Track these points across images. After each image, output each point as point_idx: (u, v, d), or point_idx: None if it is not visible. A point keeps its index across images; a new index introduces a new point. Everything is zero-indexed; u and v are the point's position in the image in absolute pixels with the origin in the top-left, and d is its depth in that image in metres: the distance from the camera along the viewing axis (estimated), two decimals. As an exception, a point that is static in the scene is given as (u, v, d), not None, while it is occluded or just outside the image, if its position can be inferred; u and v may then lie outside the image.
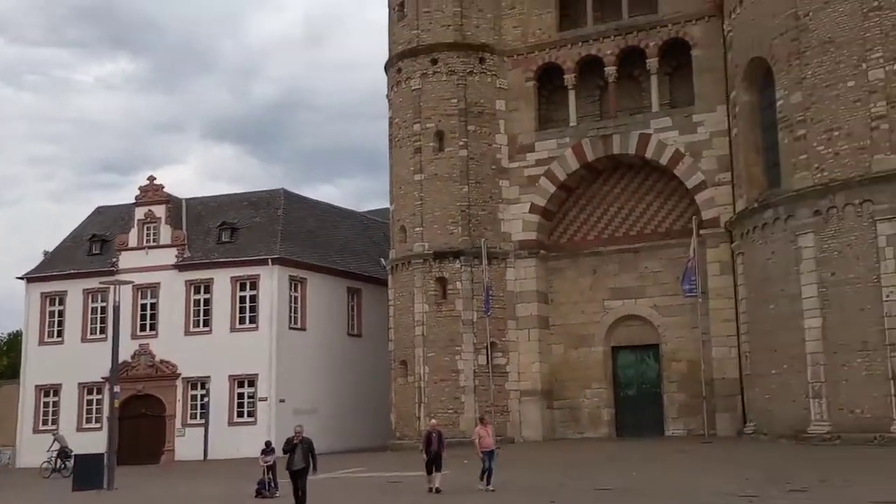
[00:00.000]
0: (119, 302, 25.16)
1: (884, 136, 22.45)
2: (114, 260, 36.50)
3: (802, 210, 23.62)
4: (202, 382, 34.47)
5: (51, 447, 30.08)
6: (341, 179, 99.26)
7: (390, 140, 32.85)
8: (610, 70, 30.33)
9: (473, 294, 30.43)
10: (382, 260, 35.16)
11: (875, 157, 22.52)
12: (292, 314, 35.52)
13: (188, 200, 38.54)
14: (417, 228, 31.19)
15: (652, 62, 29.78)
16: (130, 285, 31.07)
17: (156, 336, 35.46)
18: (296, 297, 35.78)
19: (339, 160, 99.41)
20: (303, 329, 35.55)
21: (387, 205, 34.02)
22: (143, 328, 35.78)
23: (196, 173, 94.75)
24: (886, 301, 21.88)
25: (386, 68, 33.01)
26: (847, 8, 23.17)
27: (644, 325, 30.25)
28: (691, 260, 27.40)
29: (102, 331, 35.29)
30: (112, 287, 27.03)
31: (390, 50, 32.92)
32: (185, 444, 33.81)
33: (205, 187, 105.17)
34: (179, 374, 34.75)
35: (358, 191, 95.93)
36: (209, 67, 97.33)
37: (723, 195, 28.32)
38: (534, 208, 31.18)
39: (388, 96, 33.01)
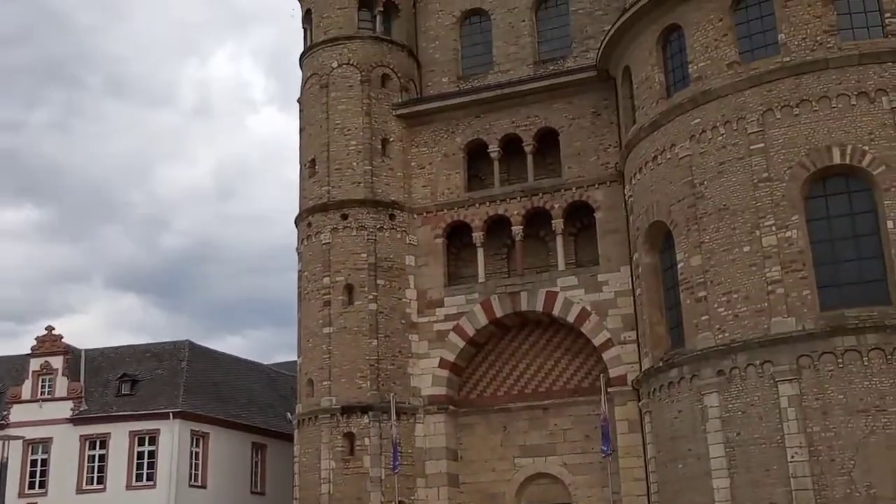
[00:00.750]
0: (7, 458, 23.92)
1: (780, 300, 23.37)
2: (5, 413, 34.80)
3: (706, 370, 24.16)
4: (93, 546, 32.49)
5: None
6: (249, 331, 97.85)
7: (299, 293, 32.68)
8: (517, 229, 31.12)
9: (382, 450, 29.80)
10: (289, 414, 34.35)
11: (773, 319, 23.35)
12: (193, 471, 34.19)
13: (88, 351, 37.35)
14: (325, 382, 30.68)
15: (557, 223, 30.71)
16: (21, 440, 29.57)
17: (45, 494, 33.62)
18: (197, 453, 34.53)
19: (247, 312, 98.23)
20: (203, 487, 34.17)
21: (294, 357, 33.51)
22: (31, 486, 33.91)
23: (99, 324, 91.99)
24: (791, 462, 22.23)
25: (296, 222, 33.18)
26: (739, 178, 24.52)
27: (555, 484, 29.97)
28: (605, 419, 27.51)
29: (-14, 490, 33.15)
30: (0, 443, 25.73)
31: (301, 204, 33.19)
32: None
33: (107, 338, 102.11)
34: (69, 538, 32.72)
35: (266, 343, 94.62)
36: (117, 217, 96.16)
37: (629, 353, 28.81)
38: (443, 363, 31.12)
39: (297, 250, 33.06)
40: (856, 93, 23.84)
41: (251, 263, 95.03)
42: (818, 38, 24.49)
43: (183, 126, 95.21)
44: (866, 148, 23.41)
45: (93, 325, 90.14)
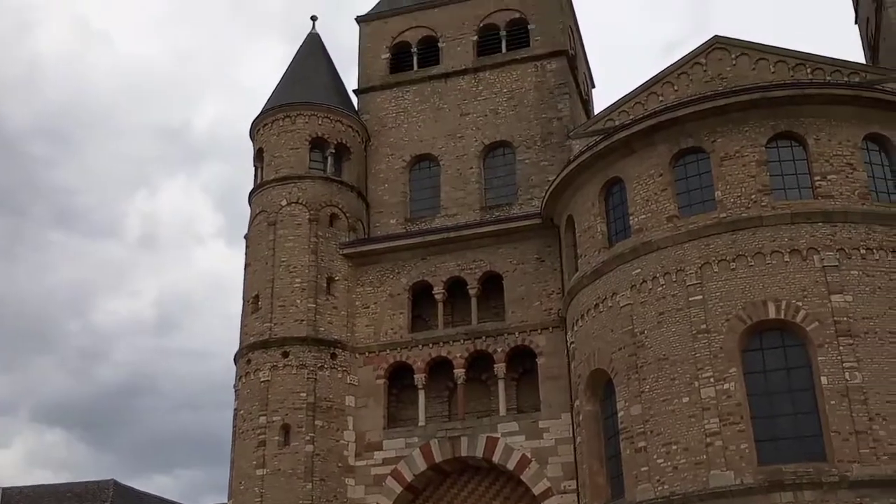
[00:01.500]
0: None
1: (718, 453, 23.30)
2: None
3: (646, 523, 23.74)
4: None
5: None
6: (180, 471, 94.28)
7: (234, 432, 31.74)
8: (459, 372, 30.93)
9: None
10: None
11: (712, 472, 23.21)
12: None
13: (6, 489, 35.55)
14: (256, 528, 29.45)
15: (499, 367, 30.62)
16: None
17: None
18: None
19: (179, 450, 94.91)
20: None
21: (225, 500, 32.20)
22: None
23: (21, 459, 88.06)
24: None
25: (236, 358, 32.60)
26: (678, 329, 24.86)
27: None
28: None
29: None
30: None
31: (242, 340, 32.71)
32: None
33: (29, 475, 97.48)
34: None
35: (196, 484, 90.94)
36: (52, 348, 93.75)
37: (568, 503, 28.25)
38: (379, 510, 30.17)
39: (235, 387, 32.34)
40: (789, 250, 24.61)
41: (187, 399, 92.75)
42: (752, 197, 25.44)
43: (128, 258, 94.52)
44: (800, 304, 23.98)
45: (14, 461, 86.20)
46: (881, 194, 25.59)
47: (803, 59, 30.59)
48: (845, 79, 29.43)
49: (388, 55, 37.48)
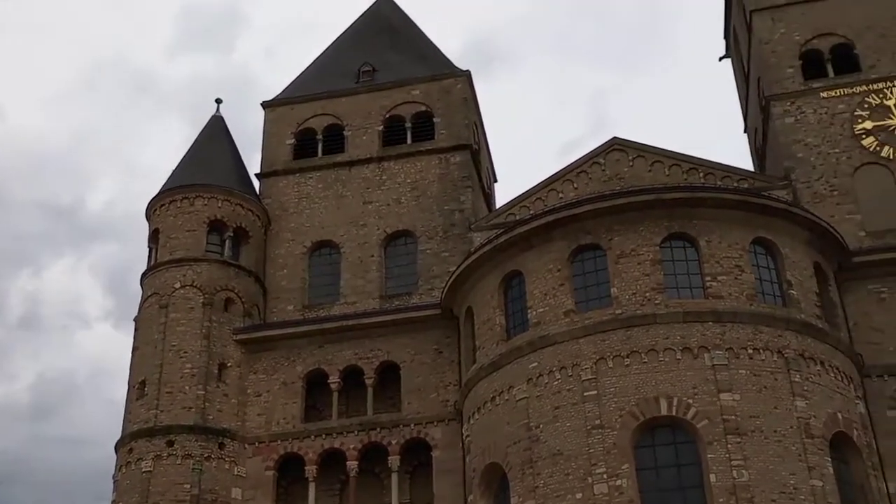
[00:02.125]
0: None
1: (612, 548, 23.08)
2: None
3: None
4: None
5: None
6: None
7: (111, 526, 30.04)
8: (352, 464, 30.14)
9: None
10: None
11: (603, 570, 22.95)
12: None
13: None
14: None
15: (393, 459, 29.98)
16: None
17: None
18: None
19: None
20: None
21: None
22: None
23: None
24: None
25: (117, 447, 31.05)
26: (573, 424, 24.85)
27: None
28: None
29: None
30: None
31: (124, 428, 31.22)
32: None
33: None
34: None
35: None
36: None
37: None
38: None
39: (114, 477, 30.71)
40: (681, 348, 25.05)
41: (62, 489, 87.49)
42: (647, 295, 25.95)
43: (6, 339, 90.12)
44: (691, 401, 24.31)
45: None
46: (767, 296, 26.43)
47: (696, 164, 31.85)
48: (735, 184, 30.70)
49: (292, 141, 37.45)
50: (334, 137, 37.21)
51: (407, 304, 32.83)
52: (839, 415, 25.20)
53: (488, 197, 39.67)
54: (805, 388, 24.90)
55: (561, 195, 32.03)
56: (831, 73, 33.57)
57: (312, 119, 37.72)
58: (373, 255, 34.24)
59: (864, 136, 31.98)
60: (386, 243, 34.57)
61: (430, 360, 31.19)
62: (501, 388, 26.84)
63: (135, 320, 33.34)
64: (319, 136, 37.34)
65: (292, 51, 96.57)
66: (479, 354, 28.41)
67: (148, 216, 34.96)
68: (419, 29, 42.00)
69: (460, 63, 39.17)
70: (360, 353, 31.76)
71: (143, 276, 33.68)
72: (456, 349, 30.71)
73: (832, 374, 25.82)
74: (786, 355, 25.21)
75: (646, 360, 25.06)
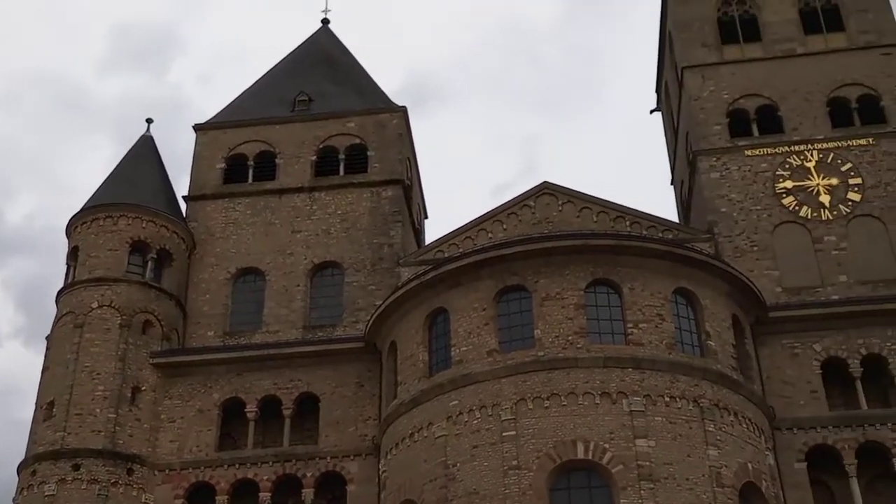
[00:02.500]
0: None
1: None
2: None
3: None
4: None
5: None
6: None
7: (7, 550, 28.85)
8: (265, 496, 29.53)
9: None
10: None
11: None
12: None
13: None
14: None
15: (308, 492, 29.48)
16: None
17: None
18: None
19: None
20: None
21: None
22: None
23: None
24: None
25: (19, 469, 29.91)
26: (490, 464, 24.83)
27: None
28: None
29: None
30: None
31: (28, 450, 30.10)
32: None
33: None
34: None
35: None
36: None
37: None
38: None
39: (14, 500, 29.55)
40: (600, 393, 25.31)
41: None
42: (569, 338, 26.21)
43: None
44: (607, 446, 24.52)
45: None
46: (686, 346, 26.92)
47: (624, 212, 32.47)
48: (660, 235, 31.37)
49: (223, 165, 37.06)
50: (266, 164, 36.94)
51: (330, 335, 32.51)
52: (749, 465, 25.69)
53: (418, 233, 39.78)
54: (718, 437, 25.35)
55: (490, 235, 32.30)
56: (756, 133, 34.69)
57: (245, 145, 37.42)
58: (298, 285, 33.91)
59: (784, 196, 33.04)
60: (312, 273, 34.29)
61: (351, 394, 30.90)
62: (421, 424, 26.71)
63: (47, 339, 32.35)
64: (251, 162, 37.02)
65: (228, 76, 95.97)
66: (401, 390, 28.26)
67: (68, 233, 34.09)
68: (358, 62, 42.17)
69: (397, 99, 39.47)
70: (279, 383, 31.28)
71: (59, 293, 32.75)
72: (377, 383, 30.50)
73: (744, 425, 26.34)
74: (701, 404, 25.65)
75: (565, 403, 25.23)
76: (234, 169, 37.06)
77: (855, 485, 27.43)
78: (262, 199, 35.97)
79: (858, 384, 28.73)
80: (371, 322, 30.26)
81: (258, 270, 34.48)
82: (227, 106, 39.75)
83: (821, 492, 27.86)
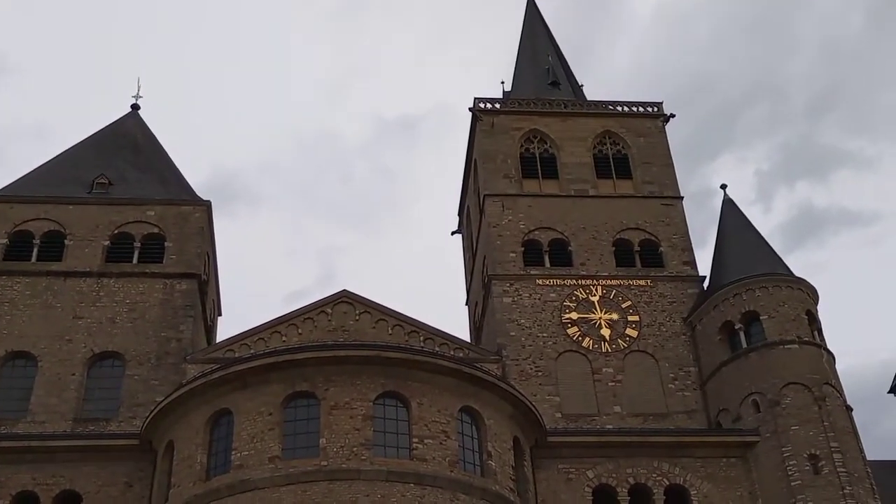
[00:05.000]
0: None
1: None
2: None
3: None
4: None
5: None
6: None
7: None
8: None
9: None
10: None
11: None
12: None
13: None
14: None
15: None
16: None
17: None
18: None
19: None
20: None
21: None
22: None
23: None
24: None
25: None
26: None
27: None
28: None
29: None
30: None
31: None
32: None
33: None
34: None
35: None
36: None
37: None
38: None
39: None
40: (381, 506, 24.97)
41: None
42: (354, 449, 25.98)
43: None
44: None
45: None
46: (468, 464, 27.28)
47: (418, 327, 33.08)
48: (452, 352, 32.12)
49: (5, 240, 34.87)
50: (53, 245, 35.07)
51: (103, 430, 30.59)
52: (519, 588, 26.02)
53: (210, 330, 38.62)
54: (491, 557, 25.59)
55: (284, 339, 31.94)
56: (548, 264, 36.63)
57: (32, 222, 35.45)
58: (73, 374, 31.90)
59: (569, 326, 34.81)
60: (91, 363, 32.40)
61: (119, 494, 28.94)
62: (192, 531, 25.40)
63: None
64: (36, 241, 35.05)
65: (23, 153, 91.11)
66: (173, 493, 26.84)
67: None
68: (165, 152, 41.27)
69: (202, 194, 38.76)
70: (38, 479, 28.90)
71: None
72: (148, 484, 28.81)
73: (516, 547, 26.76)
74: (479, 524, 25.90)
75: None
76: (18, 245, 34.90)
77: None
78: (45, 280, 33.97)
79: (625, 512, 30.01)
80: (149, 418, 28.79)
81: (30, 355, 32.20)
82: (18, 180, 37.66)
83: None
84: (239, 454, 26.22)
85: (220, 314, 42.19)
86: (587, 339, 34.58)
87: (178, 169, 40.32)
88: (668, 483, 30.45)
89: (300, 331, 32.30)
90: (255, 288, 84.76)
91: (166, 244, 35.48)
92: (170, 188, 38.18)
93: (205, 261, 36.79)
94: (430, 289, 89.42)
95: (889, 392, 48.95)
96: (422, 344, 32.21)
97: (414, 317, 33.52)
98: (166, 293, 34.11)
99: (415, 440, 26.74)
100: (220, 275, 41.46)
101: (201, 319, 35.65)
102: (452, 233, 47.48)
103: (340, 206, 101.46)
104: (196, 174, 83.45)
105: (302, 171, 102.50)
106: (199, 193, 38.61)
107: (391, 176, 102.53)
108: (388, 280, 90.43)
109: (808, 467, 29.44)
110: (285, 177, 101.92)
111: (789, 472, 29.56)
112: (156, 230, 35.87)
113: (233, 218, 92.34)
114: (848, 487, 28.88)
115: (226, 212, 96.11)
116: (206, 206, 37.25)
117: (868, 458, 30.85)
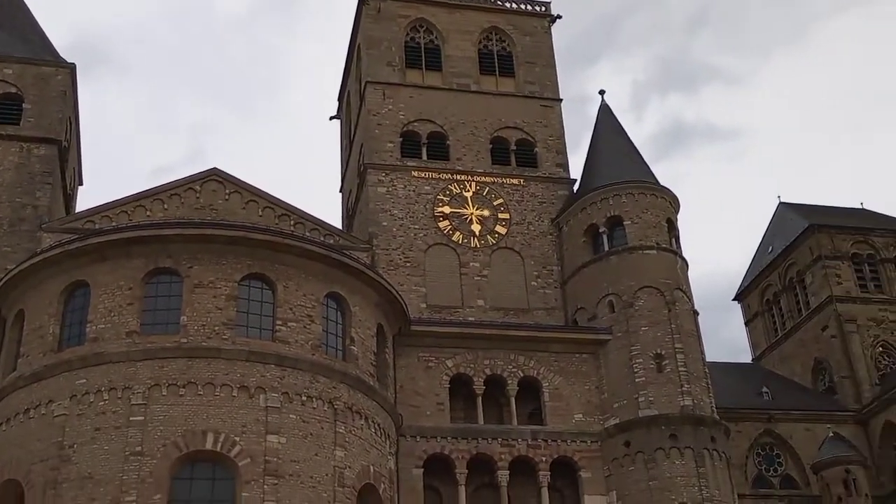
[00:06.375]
0: None
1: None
2: None
3: None
4: None
5: None
6: None
7: None
8: None
9: None
10: None
11: None
12: None
13: None
14: None
15: None
16: None
17: None
18: None
19: None
20: None
21: None
22: None
23: None
24: None
25: None
26: (112, 447, 23.73)
27: None
28: None
29: None
30: None
31: None
32: None
33: None
34: None
35: None
36: None
37: None
38: None
39: None
40: (238, 386, 25.14)
41: None
42: (216, 328, 25.81)
43: None
44: (237, 439, 24.39)
45: None
46: (330, 349, 27.55)
47: (289, 210, 32.68)
48: (322, 238, 31.92)
49: None
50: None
51: (-61, 295, 29.25)
52: (372, 468, 26.79)
53: (69, 199, 37.02)
54: (347, 439, 26.18)
55: (149, 213, 31.04)
56: (425, 156, 36.60)
57: None
58: (-74, 234, 30.25)
59: (441, 219, 35.12)
60: (-65, 223, 30.76)
61: (-38, 362, 28.01)
62: (39, 401, 24.92)
63: None
64: None
65: None
66: (22, 363, 26.19)
67: None
68: (27, 8, 38.58)
69: (67, 57, 36.51)
70: None
71: None
72: (-3, 354, 27.96)
73: (373, 430, 27.44)
74: (336, 406, 26.34)
75: (201, 393, 24.78)
76: None
77: (462, 492, 29.63)
78: None
79: (479, 401, 31.09)
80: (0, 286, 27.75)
81: None
82: None
83: (432, 496, 29.76)
84: (94, 327, 25.69)
85: (80, 184, 40.54)
86: (457, 233, 35.02)
87: (41, 28, 37.82)
88: (522, 375, 31.65)
89: (166, 206, 31.39)
90: (121, 160, 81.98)
91: (24, 106, 33.52)
92: (31, 47, 35.87)
93: (66, 127, 35.02)
94: (305, 174, 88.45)
95: (734, 299, 52.01)
96: (292, 228, 31.86)
97: (286, 200, 33.04)
98: (23, 157, 32.40)
99: (278, 322, 26.76)
100: (82, 143, 39.67)
101: (60, 187, 34.10)
102: (331, 118, 46.66)
103: (214, 84, 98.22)
104: (61, 36, 79.05)
105: (174, 41, 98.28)
106: (63, 56, 36.45)
107: (270, 55, 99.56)
108: (262, 162, 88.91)
109: (652, 365, 31.12)
110: (157, 46, 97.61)
111: (635, 370, 31.20)
112: (13, 90, 33.82)
113: (99, 85, 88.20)
114: (686, 385, 30.76)
115: (92, 77, 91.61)
116: (70, 69, 35.23)
117: (707, 360, 32.86)
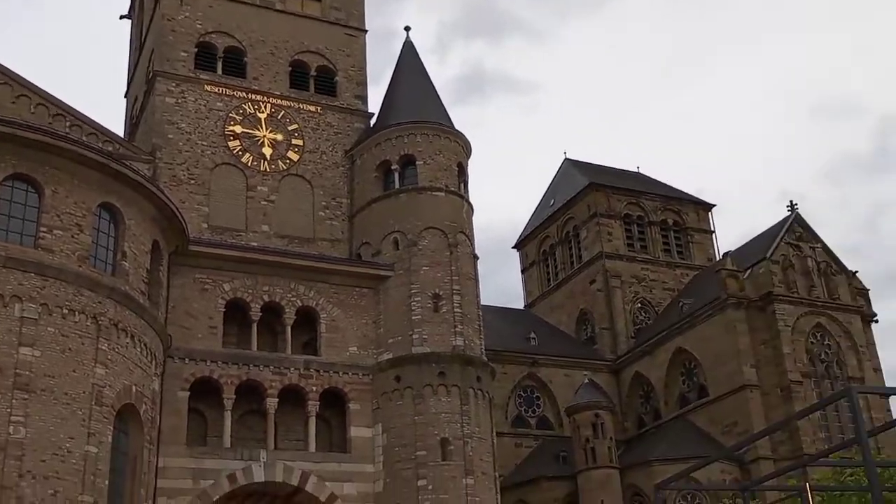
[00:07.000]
0: None
1: None
2: None
3: None
4: None
5: None
6: None
7: None
8: None
9: None
10: None
11: None
12: None
13: None
14: None
15: None
16: None
17: None
18: None
19: None
20: None
21: None
22: None
23: None
24: None
25: None
26: None
27: None
28: None
29: None
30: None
31: None
32: None
33: None
34: None
35: None
36: None
37: None
38: None
39: None
40: (-9, 293, 23.43)
41: None
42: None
43: None
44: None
45: None
46: (99, 261, 26.13)
47: (66, 111, 30.52)
48: (100, 144, 30.01)
49: None
50: None
51: None
52: (134, 388, 25.86)
53: None
54: (109, 357, 25.05)
55: None
56: (220, 71, 35.07)
57: None
58: None
59: (231, 138, 33.93)
60: None
61: None
62: None
63: None
64: None
65: None
66: None
67: None
68: None
69: None
70: None
71: None
72: None
73: (139, 349, 26.44)
74: (100, 322, 25.10)
75: (-54, 299, 22.89)
76: None
77: (228, 417, 29.29)
78: None
79: (254, 327, 30.68)
80: None
81: None
82: None
83: (196, 420, 29.23)
84: None
85: None
86: (248, 154, 34.00)
87: None
88: (300, 304, 31.47)
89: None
90: None
91: None
92: None
93: None
94: (89, 75, 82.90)
95: (513, 247, 54.12)
96: (67, 130, 29.78)
97: (63, 99, 30.77)
98: None
99: (43, 229, 25.06)
100: None
101: None
102: (122, 17, 43.62)
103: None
104: None
105: None
106: None
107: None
108: (41, 56, 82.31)
109: (430, 305, 31.81)
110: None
111: (412, 308, 31.78)
112: None
113: None
114: (460, 326, 31.72)
115: None
116: None
117: (482, 304, 34.03)
